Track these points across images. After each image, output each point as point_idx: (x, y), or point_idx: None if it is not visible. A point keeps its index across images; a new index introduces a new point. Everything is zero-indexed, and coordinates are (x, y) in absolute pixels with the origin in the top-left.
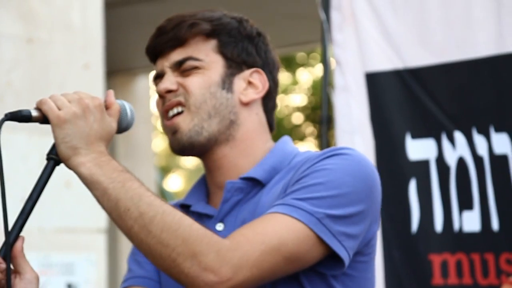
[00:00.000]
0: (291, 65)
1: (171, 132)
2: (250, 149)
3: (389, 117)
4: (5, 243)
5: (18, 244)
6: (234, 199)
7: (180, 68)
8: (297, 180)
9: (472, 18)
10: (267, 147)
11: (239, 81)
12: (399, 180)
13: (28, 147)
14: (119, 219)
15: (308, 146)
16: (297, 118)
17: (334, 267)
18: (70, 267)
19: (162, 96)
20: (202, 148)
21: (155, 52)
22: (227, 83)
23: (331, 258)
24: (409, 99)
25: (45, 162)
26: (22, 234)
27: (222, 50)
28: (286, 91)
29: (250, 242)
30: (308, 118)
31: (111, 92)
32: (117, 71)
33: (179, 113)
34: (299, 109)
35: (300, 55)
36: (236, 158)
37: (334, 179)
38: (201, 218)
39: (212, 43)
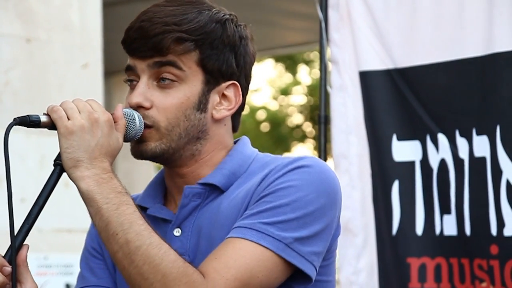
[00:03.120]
0: (291, 65)
1: (136, 140)
2: (215, 158)
3: (380, 117)
4: (10, 247)
5: (23, 252)
6: (192, 204)
7: (159, 70)
8: (261, 196)
9: (464, 18)
10: (226, 150)
11: (214, 96)
12: (384, 181)
13: (26, 147)
14: (107, 241)
15: (308, 147)
16: (298, 118)
17: (300, 282)
18: (69, 268)
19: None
20: (164, 162)
21: (132, 51)
22: (202, 103)
23: (297, 272)
24: (398, 99)
25: (43, 162)
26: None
27: (203, 64)
28: (286, 92)
29: (224, 279)
30: (307, 117)
31: (120, 106)
32: (116, 71)
33: (148, 127)
34: (299, 108)
35: (301, 55)
36: (199, 168)
37: (299, 198)
38: (158, 222)
39: (194, 56)
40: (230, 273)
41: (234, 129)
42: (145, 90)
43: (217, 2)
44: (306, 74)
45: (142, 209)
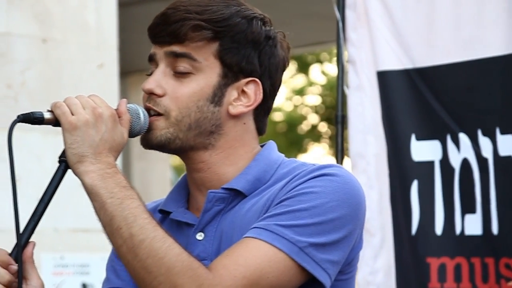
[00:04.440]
0: (305, 66)
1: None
2: (233, 157)
3: (398, 117)
4: (16, 245)
5: (28, 249)
6: (215, 209)
7: (175, 60)
8: (281, 200)
9: (484, 18)
10: (252, 154)
11: (232, 91)
12: (403, 181)
13: (43, 146)
14: (111, 236)
15: (323, 147)
16: (313, 118)
17: None
18: (85, 268)
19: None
20: (173, 152)
21: (153, 36)
22: (217, 96)
23: (312, 281)
24: (417, 99)
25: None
26: (37, 234)
27: (221, 56)
28: (301, 92)
29: (231, 276)
30: (323, 118)
31: (124, 101)
32: (131, 71)
33: (158, 114)
34: (315, 109)
35: (316, 55)
36: (216, 165)
37: (319, 205)
38: (181, 226)
39: (213, 47)
40: (239, 271)
41: (260, 132)
42: (160, 78)
43: None
44: (320, 74)
45: (166, 213)
